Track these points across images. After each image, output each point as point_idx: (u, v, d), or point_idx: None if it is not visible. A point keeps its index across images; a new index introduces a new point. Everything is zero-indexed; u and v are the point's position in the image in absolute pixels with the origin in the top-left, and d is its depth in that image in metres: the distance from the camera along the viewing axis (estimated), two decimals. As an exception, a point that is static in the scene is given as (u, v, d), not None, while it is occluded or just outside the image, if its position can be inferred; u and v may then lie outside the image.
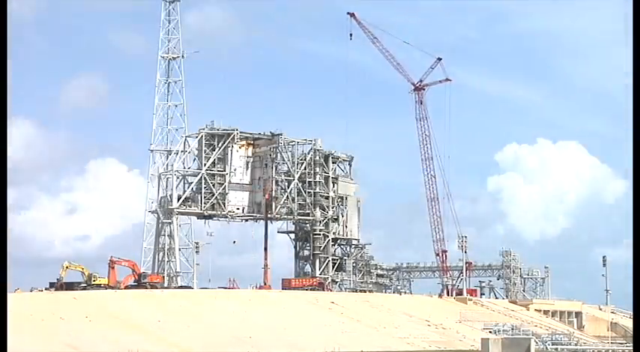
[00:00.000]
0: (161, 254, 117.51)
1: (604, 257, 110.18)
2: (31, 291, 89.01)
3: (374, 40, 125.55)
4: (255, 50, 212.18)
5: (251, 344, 72.42)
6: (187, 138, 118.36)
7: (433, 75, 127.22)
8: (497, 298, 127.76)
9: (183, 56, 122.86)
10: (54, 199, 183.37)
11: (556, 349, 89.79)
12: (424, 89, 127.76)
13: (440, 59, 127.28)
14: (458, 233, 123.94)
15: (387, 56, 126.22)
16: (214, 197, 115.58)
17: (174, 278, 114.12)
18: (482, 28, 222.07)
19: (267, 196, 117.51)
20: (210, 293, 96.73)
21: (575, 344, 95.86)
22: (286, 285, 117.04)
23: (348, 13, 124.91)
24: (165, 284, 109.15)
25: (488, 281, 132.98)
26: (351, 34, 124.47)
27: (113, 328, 70.90)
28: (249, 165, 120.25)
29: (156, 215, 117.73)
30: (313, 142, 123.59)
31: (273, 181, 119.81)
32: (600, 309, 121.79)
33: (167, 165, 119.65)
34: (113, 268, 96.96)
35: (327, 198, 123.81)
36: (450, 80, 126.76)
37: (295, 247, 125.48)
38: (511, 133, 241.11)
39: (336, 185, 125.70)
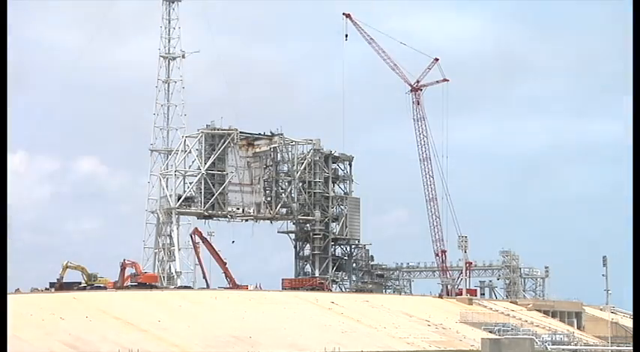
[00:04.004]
0: (161, 254, 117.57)
1: (604, 257, 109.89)
2: (31, 291, 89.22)
3: (370, 40, 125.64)
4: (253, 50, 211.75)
5: (251, 344, 72.40)
6: (187, 138, 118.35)
7: (430, 75, 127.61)
8: (497, 298, 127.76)
9: (183, 56, 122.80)
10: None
11: (556, 349, 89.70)
12: (421, 90, 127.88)
13: (437, 59, 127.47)
14: (457, 233, 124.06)
15: (384, 57, 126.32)
16: (214, 197, 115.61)
17: (174, 278, 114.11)
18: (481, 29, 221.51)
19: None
20: (210, 293, 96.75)
21: (575, 345, 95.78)
22: (286, 285, 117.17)
23: (343, 13, 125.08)
24: (164, 284, 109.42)
25: (489, 281, 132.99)
26: (346, 35, 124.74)
27: (113, 328, 70.89)
28: (249, 165, 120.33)
29: (156, 215, 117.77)
30: (313, 142, 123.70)
31: (274, 181, 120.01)
32: (601, 309, 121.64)
33: (167, 165, 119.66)
34: (124, 270, 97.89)
35: (327, 198, 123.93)
36: (448, 80, 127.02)
37: (295, 247, 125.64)
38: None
39: (336, 185, 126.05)
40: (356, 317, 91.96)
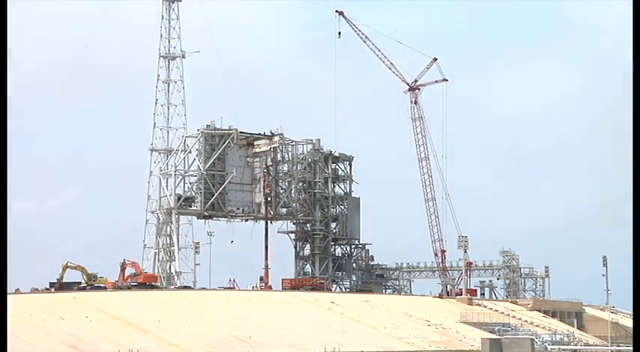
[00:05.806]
0: (161, 254, 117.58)
1: (604, 257, 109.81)
2: (31, 291, 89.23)
3: (365, 39, 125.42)
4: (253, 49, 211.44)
5: (251, 344, 72.37)
6: (187, 138, 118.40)
7: (429, 75, 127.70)
8: (497, 298, 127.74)
9: (183, 56, 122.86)
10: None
11: (556, 349, 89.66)
12: (419, 89, 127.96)
13: (435, 59, 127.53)
14: (457, 232, 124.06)
15: (380, 56, 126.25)
16: (214, 197, 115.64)
17: (174, 278, 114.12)
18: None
19: (267, 190, 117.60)
20: (210, 293, 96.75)
21: (575, 345, 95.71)
22: (286, 285, 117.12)
23: (336, 11, 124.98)
24: (164, 284, 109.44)
25: (489, 281, 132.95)
26: (339, 33, 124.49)
27: (113, 328, 70.90)
28: (249, 165, 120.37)
29: (156, 215, 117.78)
30: (313, 142, 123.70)
31: (274, 181, 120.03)
32: (601, 309, 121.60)
33: (167, 165, 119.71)
34: (124, 270, 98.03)
35: (327, 198, 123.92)
36: (447, 80, 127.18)
37: (295, 247, 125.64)
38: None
39: (336, 185, 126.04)
40: (356, 317, 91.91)
